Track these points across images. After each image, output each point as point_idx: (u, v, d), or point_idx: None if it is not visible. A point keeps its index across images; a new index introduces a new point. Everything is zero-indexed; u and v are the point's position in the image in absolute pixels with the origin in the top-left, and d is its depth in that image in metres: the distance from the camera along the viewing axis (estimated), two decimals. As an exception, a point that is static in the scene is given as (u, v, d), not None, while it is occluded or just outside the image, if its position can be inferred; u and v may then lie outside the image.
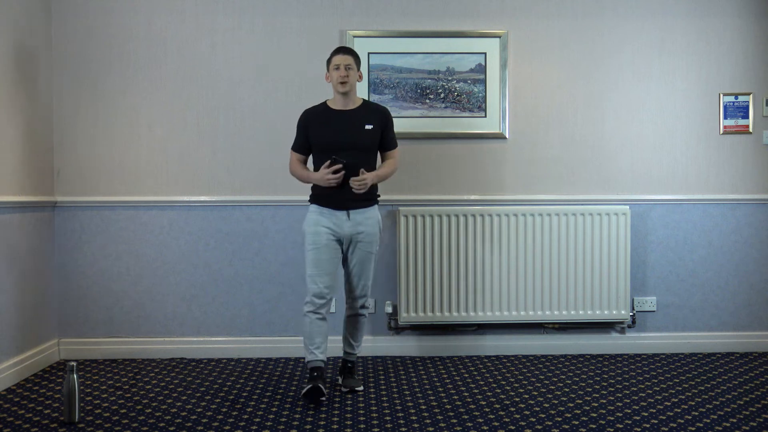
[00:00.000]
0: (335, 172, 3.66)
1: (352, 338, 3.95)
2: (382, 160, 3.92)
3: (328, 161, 3.68)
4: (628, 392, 3.78)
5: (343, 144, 3.71)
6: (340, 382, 3.92)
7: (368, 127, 3.77)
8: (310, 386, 3.55)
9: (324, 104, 3.85)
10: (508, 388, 3.86)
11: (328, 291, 3.73)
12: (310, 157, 3.89)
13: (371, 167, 3.79)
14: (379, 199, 3.88)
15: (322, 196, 3.77)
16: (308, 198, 3.85)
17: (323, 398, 3.60)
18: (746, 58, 4.58)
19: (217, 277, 4.51)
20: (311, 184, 3.82)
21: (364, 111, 3.82)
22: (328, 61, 3.81)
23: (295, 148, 3.87)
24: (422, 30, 4.51)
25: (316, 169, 3.78)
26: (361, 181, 3.67)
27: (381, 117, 3.82)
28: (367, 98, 4.47)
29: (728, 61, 4.58)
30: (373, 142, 3.79)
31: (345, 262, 3.83)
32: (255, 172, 4.48)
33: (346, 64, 3.74)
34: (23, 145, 4.12)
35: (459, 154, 4.54)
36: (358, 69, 3.83)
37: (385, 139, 3.85)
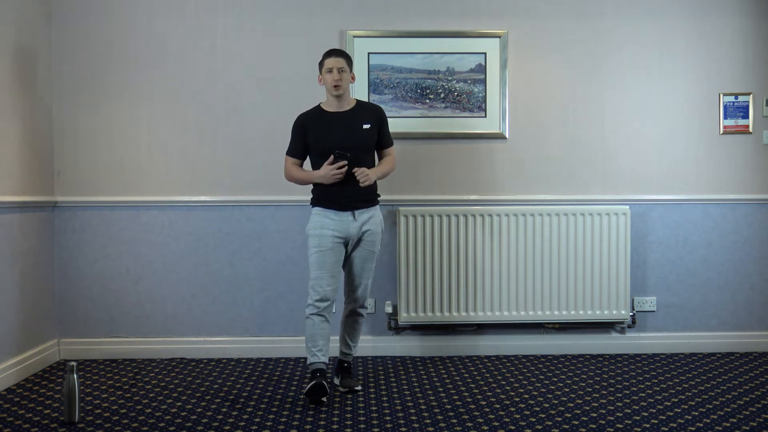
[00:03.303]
0: (339, 167, 3.65)
1: (350, 339, 3.94)
2: (379, 158, 3.92)
3: (332, 157, 3.65)
4: (628, 392, 3.78)
5: (342, 145, 3.69)
6: (337, 383, 3.91)
7: (366, 126, 3.76)
8: (313, 383, 3.56)
9: (318, 107, 3.84)
10: (508, 388, 3.86)
11: (332, 293, 3.73)
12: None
13: (370, 166, 3.80)
14: (379, 198, 3.88)
15: (325, 198, 3.76)
16: (309, 200, 3.85)
17: (325, 397, 3.60)
18: (746, 58, 4.58)
19: (217, 277, 4.51)
20: (311, 187, 3.82)
21: (360, 111, 3.81)
22: (320, 64, 3.78)
23: (291, 153, 3.85)
24: (422, 30, 4.51)
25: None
26: (363, 173, 3.67)
27: (376, 115, 3.82)
28: (367, 98, 4.47)
29: (728, 61, 4.58)
30: (371, 141, 3.79)
31: (346, 261, 3.82)
32: (255, 172, 4.48)
33: (339, 67, 3.72)
34: (23, 145, 4.12)
35: (459, 154, 4.54)
36: (351, 70, 3.81)
37: (381, 137, 3.84)
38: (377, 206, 3.85)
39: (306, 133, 3.78)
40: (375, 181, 3.80)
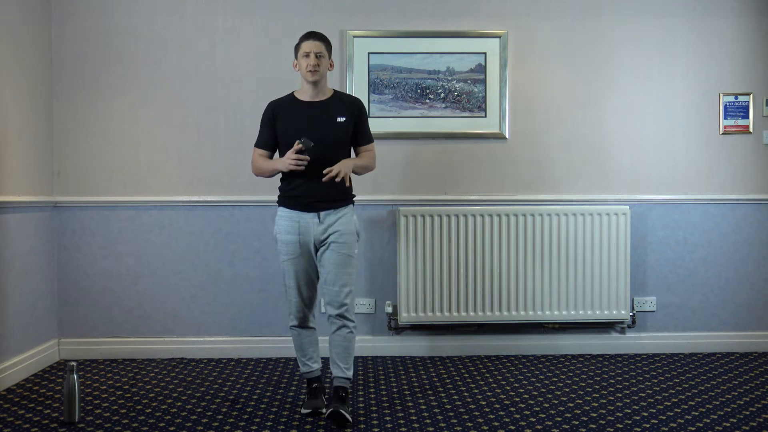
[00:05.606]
0: (299, 156, 3.32)
1: (341, 361, 3.45)
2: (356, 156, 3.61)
3: (297, 143, 3.32)
4: (628, 392, 3.78)
5: (314, 138, 3.35)
6: (324, 413, 3.43)
7: (340, 119, 3.45)
8: (309, 410, 3.45)
9: (291, 95, 3.54)
10: (508, 388, 3.86)
11: (310, 302, 3.54)
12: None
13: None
14: (354, 198, 3.58)
15: (290, 196, 3.47)
16: (276, 199, 3.58)
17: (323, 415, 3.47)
18: (746, 58, 4.58)
19: (217, 277, 4.51)
20: (279, 185, 3.55)
21: (336, 102, 3.49)
22: (296, 48, 3.47)
23: (259, 143, 3.55)
24: (422, 30, 4.51)
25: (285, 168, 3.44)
26: (329, 172, 3.34)
27: (353, 108, 3.50)
28: (367, 98, 4.47)
29: (728, 61, 4.58)
30: (345, 136, 3.47)
31: (319, 266, 3.49)
32: (255, 172, 4.47)
33: (317, 52, 3.40)
34: (23, 145, 4.12)
35: (459, 154, 4.54)
36: (330, 57, 3.49)
37: (358, 133, 3.52)
38: (350, 206, 3.52)
39: (275, 122, 3.49)
40: (349, 180, 3.44)
